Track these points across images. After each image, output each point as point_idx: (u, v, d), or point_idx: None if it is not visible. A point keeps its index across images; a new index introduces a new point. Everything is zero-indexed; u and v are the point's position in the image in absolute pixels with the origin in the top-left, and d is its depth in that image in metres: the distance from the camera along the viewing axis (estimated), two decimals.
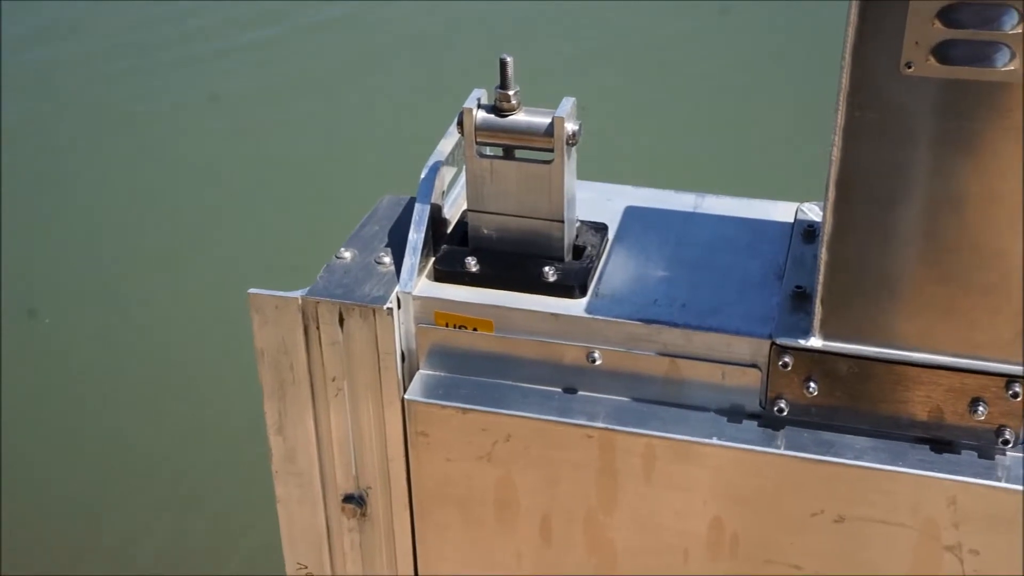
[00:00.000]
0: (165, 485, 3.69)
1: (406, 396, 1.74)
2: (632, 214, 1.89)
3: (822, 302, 1.61)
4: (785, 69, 5.33)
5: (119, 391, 4.01)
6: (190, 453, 3.66)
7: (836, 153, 1.51)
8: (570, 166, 1.72)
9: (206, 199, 4.73)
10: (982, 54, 1.41)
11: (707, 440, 1.67)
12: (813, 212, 1.84)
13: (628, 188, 1.94)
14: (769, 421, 1.68)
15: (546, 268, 1.74)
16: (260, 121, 5.23)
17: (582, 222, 1.82)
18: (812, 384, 1.64)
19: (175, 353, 4.01)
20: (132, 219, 4.63)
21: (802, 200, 1.86)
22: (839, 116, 1.48)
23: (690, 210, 1.89)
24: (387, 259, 1.78)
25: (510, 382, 1.74)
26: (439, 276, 1.77)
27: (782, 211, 1.87)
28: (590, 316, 1.69)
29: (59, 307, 4.32)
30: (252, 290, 1.72)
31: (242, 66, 5.53)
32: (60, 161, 4.97)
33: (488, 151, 1.75)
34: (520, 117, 1.71)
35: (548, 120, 1.69)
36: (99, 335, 4.22)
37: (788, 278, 1.73)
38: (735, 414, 1.69)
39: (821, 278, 1.59)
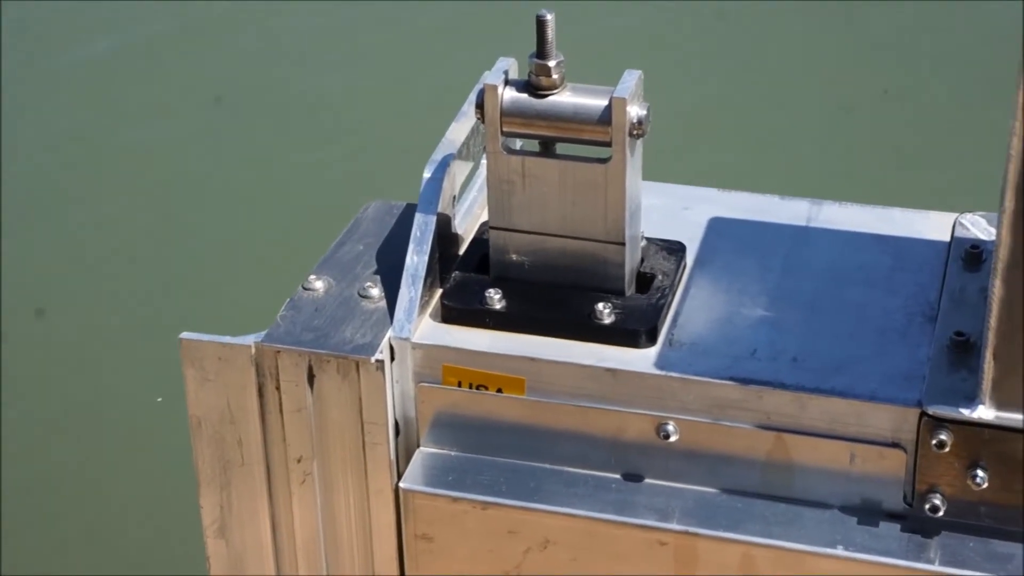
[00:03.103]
0: (170, 485, 3.83)
1: (401, 484, 1.70)
2: (720, 229, 1.85)
3: (995, 356, 1.55)
4: (930, 55, 5.61)
5: (123, 391, 4.22)
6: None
7: (1017, 145, 1.46)
8: (634, 166, 1.68)
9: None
10: None
11: (829, 550, 1.60)
12: (979, 227, 1.79)
13: (713, 192, 1.90)
14: (918, 524, 1.62)
15: (600, 305, 1.68)
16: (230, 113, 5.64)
17: (649, 240, 1.77)
18: (980, 472, 1.58)
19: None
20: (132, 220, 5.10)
21: (963, 210, 1.81)
22: (1021, 92, 1.42)
23: (802, 223, 1.84)
24: (375, 291, 1.74)
25: (548, 465, 1.70)
26: (449, 316, 1.72)
27: (934, 225, 1.83)
28: (662, 373, 1.64)
29: (66, 308, 4.66)
30: (185, 334, 1.70)
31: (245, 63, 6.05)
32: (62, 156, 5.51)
33: (519, 145, 1.74)
34: (564, 98, 1.67)
35: (604, 102, 1.65)
36: (102, 335, 4.52)
37: (944, 321, 1.68)
38: (869, 513, 1.63)
39: (993, 322, 1.54)
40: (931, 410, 1.57)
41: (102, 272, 4.80)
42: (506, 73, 1.68)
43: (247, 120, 5.49)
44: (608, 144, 1.66)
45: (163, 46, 6.10)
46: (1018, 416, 1.55)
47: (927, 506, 1.59)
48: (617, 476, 1.68)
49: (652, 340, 1.67)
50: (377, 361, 1.66)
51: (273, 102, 5.57)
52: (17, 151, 5.36)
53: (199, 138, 5.45)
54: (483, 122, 1.69)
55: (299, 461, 1.73)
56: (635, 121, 1.64)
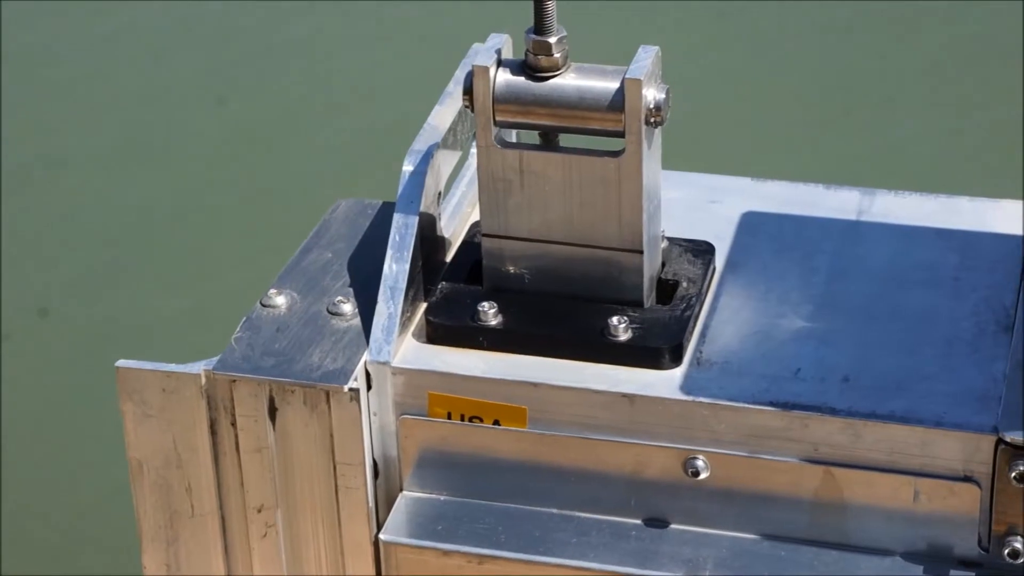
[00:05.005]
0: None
1: (382, 535, 1.66)
2: (755, 225, 1.83)
3: None
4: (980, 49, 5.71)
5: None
6: None
7: None
8: (652, 159, 1.65)
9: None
10: None
11: None
12: None
13: (746, 181, 1.88)
14: (995, 572, 1.58)
15: (614, 319, 1.65)
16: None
17: (671, 241, 1.75)
18: None
19: (186, 350, 4.63)
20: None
21: None
22: None
23: (852, 217, 1.82)
24: (347, 306, 1.71)
25: (556, 510, 1.66)
26: (436, 334, 1.69)
27: (1008, 215, 1.80)
28: (689, 398, 1.60)
29: (69, 308, 4.93)
30: (121, 362, 1.66)
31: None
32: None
33: (515, 136, 1.73)
34: (568, 80, 1.65)
35: (615, 85, 1.62)
36: (105, 336, 4.74)
37: (1022, 330, 1.65)
38: (937, 560, 1.60)
39: None
40: (1009, 436, 1.52)
41: (106, 272, 5.06)
42: (498, 52, 1.64)
43: (244, 117, 5.68)
44: (621, 134, 1.62)
45: (161, 44, 6.40)
46: None
47: (1006, 551, 1.55)
48: (637, 521, 1.65)
49: (677, 359, 1.63)
50: (351, 390, 1.62)
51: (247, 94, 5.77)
52: (18, 151, 5.65)
53: (202, 136, 5.70)
54: (472, 110, 1.66)
55: (260, 511, 1.70)
56: (652, 106, 1.61)
